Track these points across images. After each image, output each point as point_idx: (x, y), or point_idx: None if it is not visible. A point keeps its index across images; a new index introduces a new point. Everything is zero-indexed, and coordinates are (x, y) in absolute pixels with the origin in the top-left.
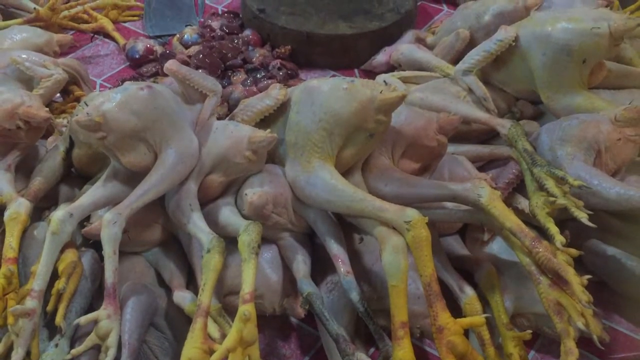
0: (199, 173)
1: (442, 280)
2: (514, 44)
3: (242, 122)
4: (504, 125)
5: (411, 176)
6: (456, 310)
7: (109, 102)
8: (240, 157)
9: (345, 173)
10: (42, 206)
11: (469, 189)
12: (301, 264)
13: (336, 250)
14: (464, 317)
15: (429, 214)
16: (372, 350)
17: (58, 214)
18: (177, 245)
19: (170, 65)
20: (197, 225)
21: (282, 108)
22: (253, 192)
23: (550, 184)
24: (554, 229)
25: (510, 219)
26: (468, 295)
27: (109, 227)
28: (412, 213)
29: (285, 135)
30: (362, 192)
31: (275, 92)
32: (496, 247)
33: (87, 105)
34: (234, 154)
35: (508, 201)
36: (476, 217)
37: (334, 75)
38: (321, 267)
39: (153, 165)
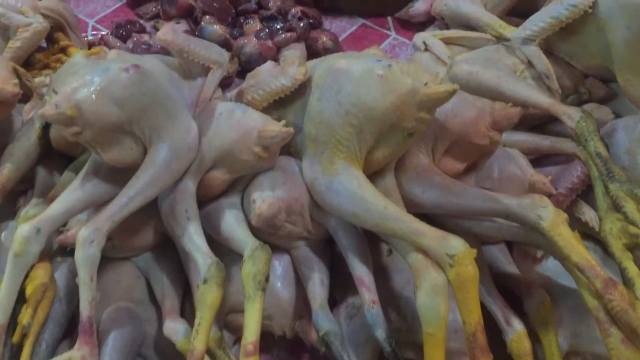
0: (198, 169)
1: (484, 307)
2: (590, 11)
3: (252, 102)
4: (571, 117)
5: (454, 182)
6: (496, 338)
7: (83, 88)
8: (247, 154)
9: (376, 173)
10: (16, 190)
11: (527, 207)
12: (317, 287)
13: (359, 270)
14: (509, 353)
15: (473, 225)
16: None
17: (22, 230)
18: (172, 249)
19: (163, 35)
20: (194, 242)
21: (301, 88)
22: (262, 200)
23: (630, 208)
24: (634, 271)
25: (577, 252)
26: (517, 331)
27: (84, 247)
28: (457, 244)
29: (304, 125)
30: (397, 208)
31: (293, 71)
32: (552, 266)
33: (55, 93)
34: (241, 149)
35: (569, 210)
36: (532, 237)
37: (363, 25)
38: (342, 281)
39: (142, 160)
